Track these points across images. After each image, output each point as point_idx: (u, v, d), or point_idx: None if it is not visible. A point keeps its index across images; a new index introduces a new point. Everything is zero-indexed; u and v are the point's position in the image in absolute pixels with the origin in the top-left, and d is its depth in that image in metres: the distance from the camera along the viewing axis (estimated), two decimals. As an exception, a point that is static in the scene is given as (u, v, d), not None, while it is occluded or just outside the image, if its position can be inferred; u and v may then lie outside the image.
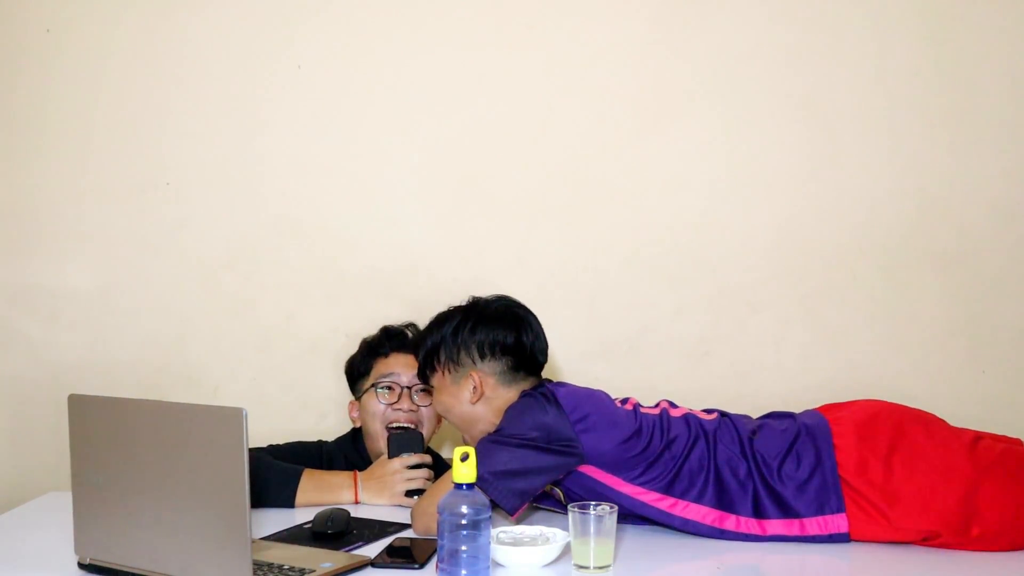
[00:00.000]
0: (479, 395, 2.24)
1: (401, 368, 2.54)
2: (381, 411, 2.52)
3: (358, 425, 2.60)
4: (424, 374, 2.34)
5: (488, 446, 2.07)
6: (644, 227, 2.85)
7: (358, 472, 2.42)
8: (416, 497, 2.31)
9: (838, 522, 2.05)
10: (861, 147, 2.81)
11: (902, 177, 2.80)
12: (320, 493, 2.37)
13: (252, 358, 2.91)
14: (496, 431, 2.14)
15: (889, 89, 2.80)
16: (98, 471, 1.85)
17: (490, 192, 2.88)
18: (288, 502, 2.36)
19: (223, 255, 2.90)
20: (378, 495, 2.37)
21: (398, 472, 2.38)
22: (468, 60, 2.87)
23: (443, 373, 2.29)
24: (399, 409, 2.51)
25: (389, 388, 2.53)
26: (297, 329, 2.88)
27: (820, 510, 2.06)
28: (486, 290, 2.82)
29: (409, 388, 2.53)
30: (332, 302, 2.89)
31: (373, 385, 2.54)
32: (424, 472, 2.39)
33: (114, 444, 1.83)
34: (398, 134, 2.88)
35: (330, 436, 2.68)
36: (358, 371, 2.60)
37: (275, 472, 2.38)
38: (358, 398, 2.60)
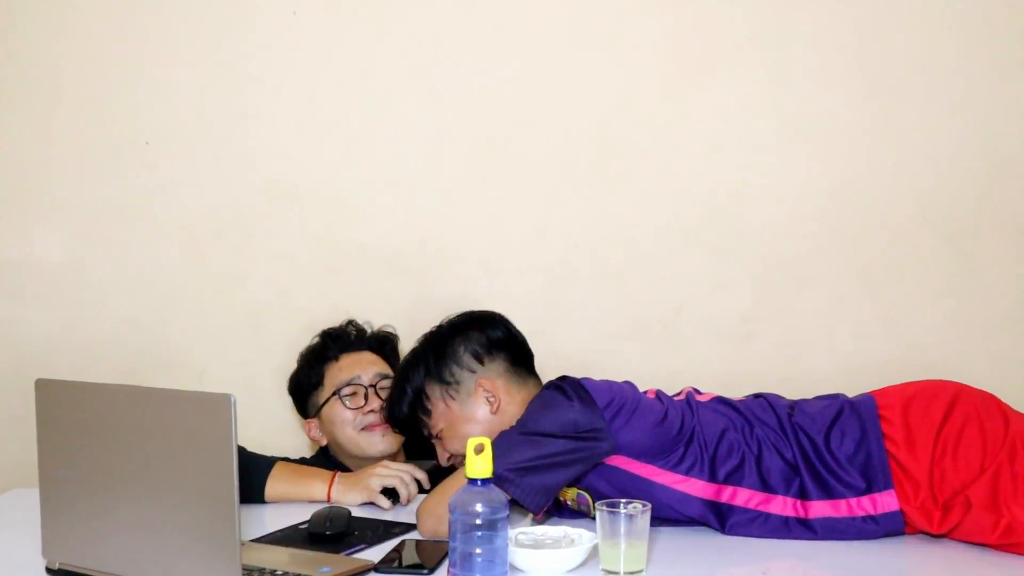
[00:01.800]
0: (497, 403, 2.24)
1: (357, 368, 2.61)
2: (351, 417, 2.57)
3: (324, 443, 2.65)
4: (417, 424, 2.32)
5: (507, 440, 2.06)
6: (680, 193, 2.84)
7: (339, 472, 2.45)
8: (390, 498, 2.34)
9: (887, 500, 2.06)
10: (925, 102, 2.78)
11: (971, 136, 2.78)
12: (293, 486, 2.41)
13: (241, 339, 2.91)
14: (517, 423, 2.14)
15: (957, 37, 2.77)
16: (68, 465, 1.85)
17: (507, 154, 2.86)
18: (257, 495, 2.37)
19: (209, 224, 2.90)
20: (350, 490, 2.38)
21: (377, 466, 2.40)
22: (483, 7, 2.85)
23: (446, 403, 2.27)
24: (371, 411, 2.56)
25: (353, 393, 2.57)
26: (292, 307, 2.88)
27: (868, 489, 2.07)
28: (502, 265, 2.82)
29: (373, 386, 2.58)
30: (331, 277, 2.89)
31: (335, 393, 2.58)
32: (405, 474, 2.38)
33: (87, 434, 1.82)
34: (405, 89, 2.86)
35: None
36: (309, 384, 2.65)
37: (243, 459, 2.35)
38: (316, 414, 2.63)
